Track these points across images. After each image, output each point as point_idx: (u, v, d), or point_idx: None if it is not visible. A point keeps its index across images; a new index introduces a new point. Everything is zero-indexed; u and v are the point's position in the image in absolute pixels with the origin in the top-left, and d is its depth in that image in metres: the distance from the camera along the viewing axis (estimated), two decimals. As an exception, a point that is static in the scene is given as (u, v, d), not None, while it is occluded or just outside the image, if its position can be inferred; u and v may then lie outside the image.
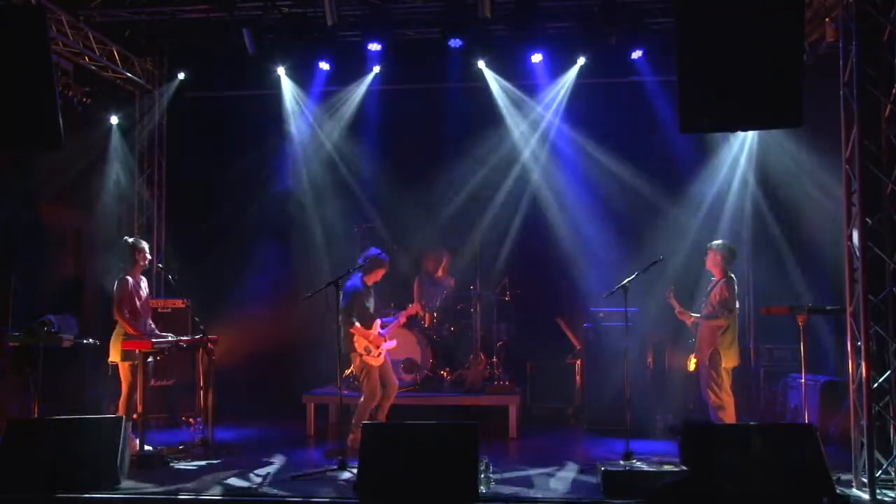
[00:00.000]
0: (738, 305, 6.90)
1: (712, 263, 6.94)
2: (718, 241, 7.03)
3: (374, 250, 7.23)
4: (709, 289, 7.00)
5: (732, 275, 6.89)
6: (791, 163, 8.53)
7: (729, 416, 6.74)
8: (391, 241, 8.72)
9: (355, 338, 7.00)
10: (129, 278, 7.07)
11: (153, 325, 7.35)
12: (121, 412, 6.84)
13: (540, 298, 9.44)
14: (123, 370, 6.95)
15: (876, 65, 5.89)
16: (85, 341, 8.06)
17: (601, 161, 9.28)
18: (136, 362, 6.82)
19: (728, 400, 6.77)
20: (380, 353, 7.11)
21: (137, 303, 7.03)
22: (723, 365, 6.76)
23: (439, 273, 9.08)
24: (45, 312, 7.98)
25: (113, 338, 7.02)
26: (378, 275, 7.18)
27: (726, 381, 6.79)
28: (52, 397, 7.94)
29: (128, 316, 6.93)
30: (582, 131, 9.42)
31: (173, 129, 9.88)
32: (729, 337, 6.77)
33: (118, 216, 9.67)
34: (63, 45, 8.05)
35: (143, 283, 7.29)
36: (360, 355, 7.00)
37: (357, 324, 6.99)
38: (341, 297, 6.73)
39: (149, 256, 7.32)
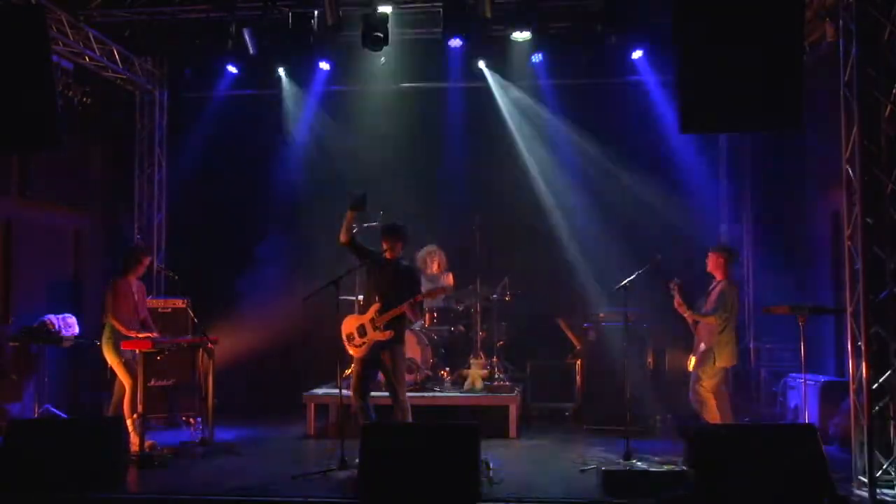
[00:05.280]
0: (737, 307, 6.89)
1: (714, 266, 6.95)
2: (719, 244, 7.03)
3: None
4: (709, 289, 7.00)
5: (734, 277, 6.89)
6: (791, 162, 8.52)
7: (711, 414, 6.73)
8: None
9: (344, 323, 6.67)
10: (122, 281, 7.07)
11: (152, 327, 7.35)
12: (126, 409, 6.85)
13: (540, 298, 9.44)
14: (119, 369, 6.97)
15: (876, 65, 5.88)
16: (85, 341, 8.09)
17: (601, 161, 9.28)
18: (127, 358, 6.90)
19: (709, 398, 6.77)
20: (363, 344, 6.55)
21: (128, 306, 7.02)
22: (717, 364, 6.76)
23: (435, 269, 9.04)
24: (45, 312, 8.02)
25: (103, 343, 7.04)
26: (396, 248, 6.69)
27: (714, 379, 6.79)
28: (52, 397, 7.96)
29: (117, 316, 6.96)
30: (582, 131, 9.42)
31: (173, 129, 9.88)
32: (726, 337, 6.77)
33: (118, 216, 9.66)
34: (63, 45, 8.05)
35: (137, 287, 7.27)
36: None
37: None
38: None
39: (146, 263, 7.32)
